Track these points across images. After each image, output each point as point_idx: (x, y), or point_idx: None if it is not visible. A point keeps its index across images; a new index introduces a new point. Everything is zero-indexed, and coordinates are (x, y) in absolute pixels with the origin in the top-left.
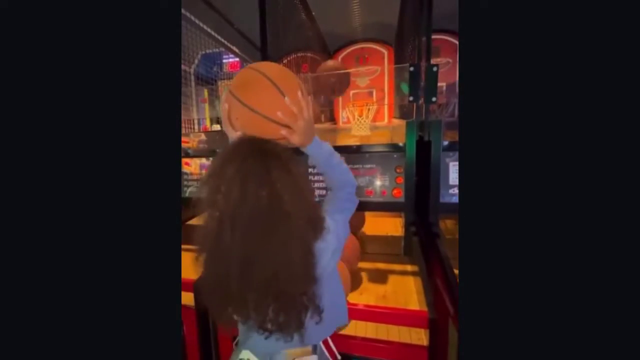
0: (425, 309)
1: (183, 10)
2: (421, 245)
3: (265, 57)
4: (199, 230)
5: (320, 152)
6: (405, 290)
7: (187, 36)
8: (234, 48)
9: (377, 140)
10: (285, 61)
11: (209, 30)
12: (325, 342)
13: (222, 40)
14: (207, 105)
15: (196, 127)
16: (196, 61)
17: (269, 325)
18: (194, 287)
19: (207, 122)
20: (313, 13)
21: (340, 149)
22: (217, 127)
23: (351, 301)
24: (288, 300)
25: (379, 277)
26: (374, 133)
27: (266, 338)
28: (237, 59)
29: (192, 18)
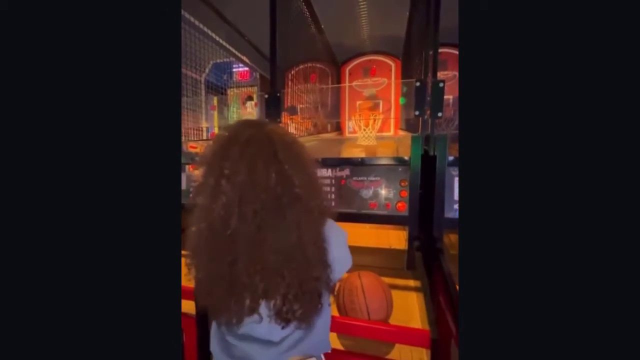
0: (427, 327)
1: (195, 21)
2: (424, 260)
3: (274, 67)
4: (198, 224)
5: None
6: (408, 306)
7: (198, 46)
8: (244, 58)
9: (383, 151)
10: (293, 72)
11: (220, 40)
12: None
13: (233, 50)
14: (215, 113)
15: (204, 134)
16: (207, 70)
17: (287, 315)
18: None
19: (216, 129)
20: (322, 25)
21: (345, 161)
22: None
23: (351, 315)
24: (303, 285)
25: None
26: (380, 143)
27: (283, 328)
28: (247, 68)
29: (204, 28)
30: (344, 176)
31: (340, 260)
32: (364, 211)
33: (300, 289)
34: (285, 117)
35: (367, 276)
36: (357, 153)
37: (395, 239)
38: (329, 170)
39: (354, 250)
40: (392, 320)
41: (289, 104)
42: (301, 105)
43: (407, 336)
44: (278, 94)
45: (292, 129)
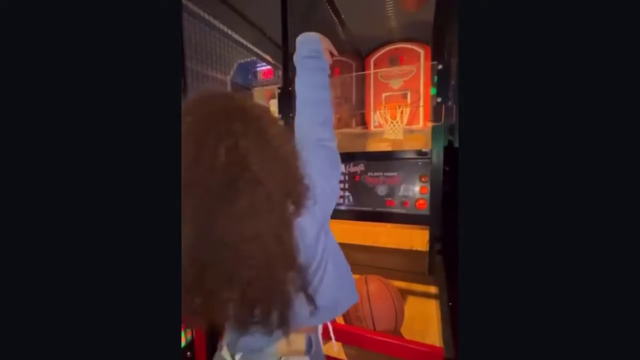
0: (442, 343)
1: (219, 23)
2: (445, 264)
3: (286, 61)
4: None
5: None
6: (426, 316)
7: (222, 48)
8: (267, 56)
9: (410, 145)
10: None
11: (242, 40)
12: (325, 330)
13: (255, 49)
14: None
15: None
16: (232, 71)
17: (246, 318)
18: None
19: None
20: (342, 16)
21: (359, 156)
22: None
23: (355, 324)
24: (263, 289)
25: None
26: (408, 137)
27: (242, 335)
28: (270, 67)
29: (226, 29)
30: (358, 172)
31: None
32: (379, 209)
33: (259, 294)
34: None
35: (374, 281)
36: (383, 148)
37: (419, 239)
38: (343, 165)
39: (371, 250)
40: (407, 331)
41: None
42: None
43: (414, 353)
44: (290, 88)
45: None
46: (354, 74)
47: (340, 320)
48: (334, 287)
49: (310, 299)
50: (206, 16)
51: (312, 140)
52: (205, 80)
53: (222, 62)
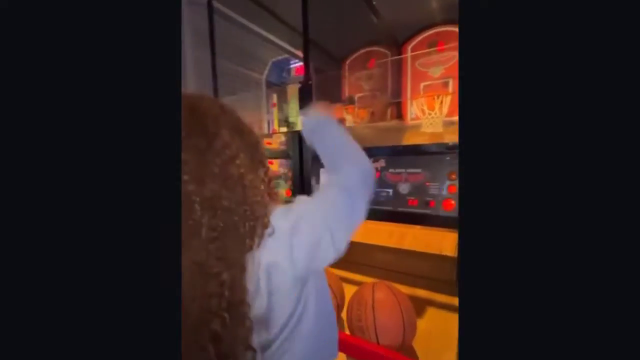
0: None
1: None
2: None
3: (306, 55)
4: None
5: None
6: (445, 332)
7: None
8: (298, 52)
9: (451, 139)
10: (349, 61)
11: (275, 39)
12: None
13: (286, 45)
14: (275, 110)
15: (266, 130)
16: (266, 70)
17: None
18: None
19: (276, 125)
20: (374, 2)
21: (380, 150)
22: (283, 129)
23: (357, 334)
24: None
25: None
26: (448, 130)
27: None
28: (302, 63)
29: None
30: (379, 168)
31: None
32: (400, 209)
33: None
34: (340, 109)
35: (382, 289)
36: (421, 141)
37: (451, 242)
38: None
39: (393, 252)
40: (421, 348)
41: (346, 94)
42: (359, 94)
43: None
44: (310, 82)
45: (348, 121)
46: (390, 58)
47: (344, 329)
48: (308, 343)
49: (251, 356)
50: (239, 18)
51: (342, 182)
52: (239, 80)
53: (257, 61)
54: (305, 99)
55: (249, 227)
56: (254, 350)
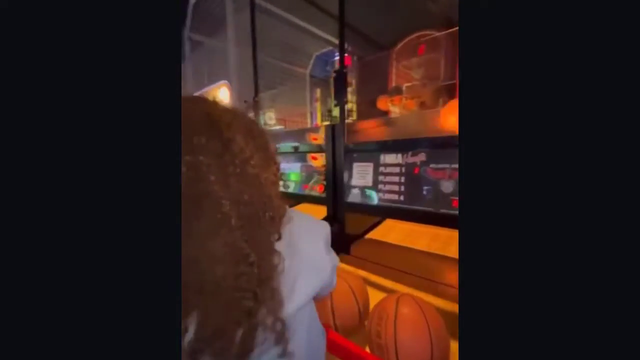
0: None
1: (294, 18)
2: None
3: (342, 37)
4: None
5: None
6: None
7: (301, 41)
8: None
9: None
10: (399, 47)
11: (317, 31)
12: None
13: (328, 37)
14: (319, 104)
15: (309, 124)
16: (310, 65)
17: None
18: None
19: (319, 120)
20: None
21: (421, 142)
22: (326, 122)
23: (376, 354)
24: (220, 314)
25: (452, 326)
26: None
27: None
28: (346, 55)
29: (301, 23)
30: (418, 163)
31: (308, 280)
32: (443, 211)
33: (215, 320)
34: (384, 100)
35: (408, 303)
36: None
37: None
38: (399, 155)
39: (437, 258)
40: None
41: (393, 84)
42: (407, 84)
43: None
44: (345, 71)
45: (394, 113)
46: (446, 31)
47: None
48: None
49: (282, 339)
50: (282, 12)
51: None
52: (282, 75)
53: (301, 55)
54: (339, 89)
55: (269, 217)
56: (283, 322)
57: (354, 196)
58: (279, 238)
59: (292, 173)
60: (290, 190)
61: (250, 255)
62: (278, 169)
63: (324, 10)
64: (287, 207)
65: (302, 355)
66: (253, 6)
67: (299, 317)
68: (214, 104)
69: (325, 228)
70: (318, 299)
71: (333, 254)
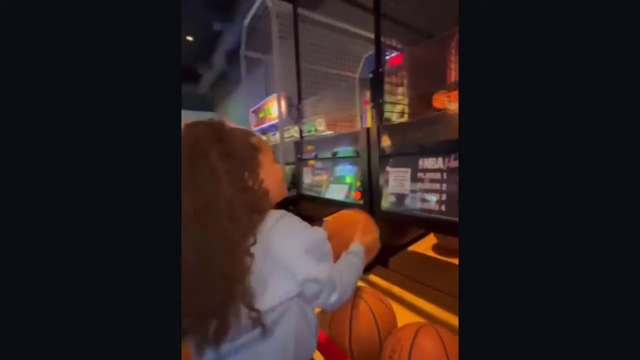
0: None
1: (338, 23)
2: None
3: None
4: None
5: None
6: None
7: (348, 45)
8: (392, 42)
9: None
10: (455, 40)
11: (364, 33)
12: None
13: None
14: (368, 107)
15: (359, 127)
16: (360, 67)
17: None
18: None
19: (368, 122)
20: None
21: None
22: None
23: None
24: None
25: None
26: None
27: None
28: (396, 53)
29: (346, 26)
30: (454, 168)
31: (282, 271)
32: None
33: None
34: (441, 97)
35: (428, 334)
36: None
37: None
38: (439, 159)
39: None
40: None
41: (452, 79)
42: None
43: None
44: (381, 70)
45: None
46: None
47: None
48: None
49: (256, 315)
50: (322, 18)
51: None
52: (331, 80)
53: (347, 59)
54: (376, 89)
55: (255, 216)
56: (259, 311)
57: (391, 204)
58: (254, 242)
59: (347, 176)
60: (334, 197)
61: (212, 258)
62: (259, 176)
63: (362, 6)
64: (270, 212)
65: (290, 341)
66: (296, 17)
67: (280, 311)
68: (202, 126)
69: (311, 236)
70: (324, 309)
71: (327, 265)
